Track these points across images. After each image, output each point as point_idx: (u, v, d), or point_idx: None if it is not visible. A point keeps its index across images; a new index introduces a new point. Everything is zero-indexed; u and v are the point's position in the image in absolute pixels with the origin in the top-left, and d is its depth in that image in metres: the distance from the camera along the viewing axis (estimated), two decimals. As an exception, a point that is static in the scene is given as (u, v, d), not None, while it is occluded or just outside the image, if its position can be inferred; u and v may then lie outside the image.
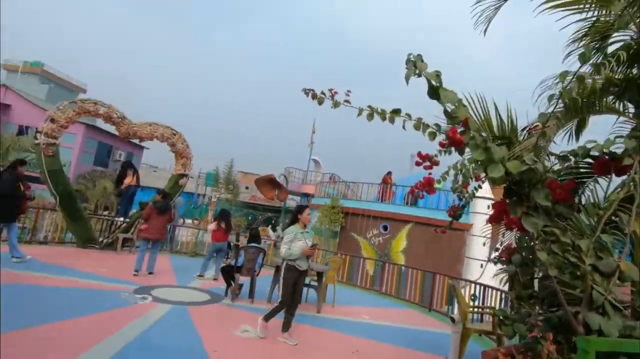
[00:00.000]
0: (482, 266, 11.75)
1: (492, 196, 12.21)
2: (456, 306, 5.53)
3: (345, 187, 16.24)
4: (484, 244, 11.86)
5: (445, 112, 2.18)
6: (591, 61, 2.39)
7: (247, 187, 29.65)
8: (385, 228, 12.92)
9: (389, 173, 14.01)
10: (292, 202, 34.03)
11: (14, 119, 23.87)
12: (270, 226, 16.24)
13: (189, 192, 30.55)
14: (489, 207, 12.24)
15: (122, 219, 9.09)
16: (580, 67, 1.90)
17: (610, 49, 2.96)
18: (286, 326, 4.27)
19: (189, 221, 17.64)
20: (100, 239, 8.58)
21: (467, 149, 2.13)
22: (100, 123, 28.39)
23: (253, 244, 6.08)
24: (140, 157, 31.13)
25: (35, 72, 37.26)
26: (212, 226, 7.12)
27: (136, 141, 9.65)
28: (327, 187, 17.45)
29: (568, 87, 1.94)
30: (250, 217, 17.80)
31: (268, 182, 16.98)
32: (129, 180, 9.07)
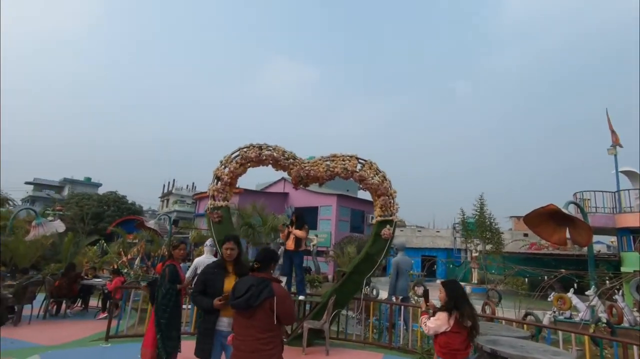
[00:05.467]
0: None
1: None
2: None
3: None
4: None
5: None
6: None
7: (526, 235, 22.33)
8: None
9: None
10: (599, 246, 22.86)
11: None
12: (572, 289, 9.56)
13: (446, 248, 26.45)
14: None
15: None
16: None
17: None
18: None
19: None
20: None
21: None
22: (352, 191, 30.52)
23: None
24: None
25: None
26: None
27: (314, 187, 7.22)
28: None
29: None
30: (527, 277, 11.53)
31: (548, 219, 10.61)
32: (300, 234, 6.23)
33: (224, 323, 3.02)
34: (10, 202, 24.23)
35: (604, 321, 6.76)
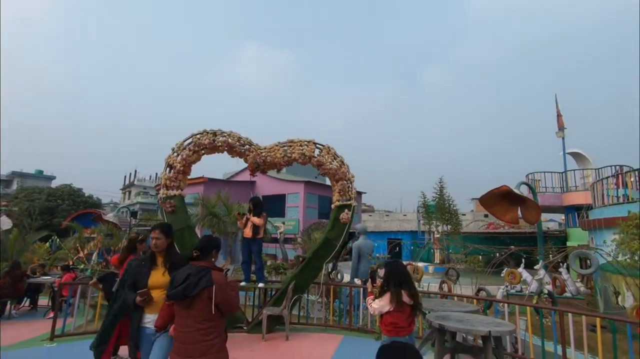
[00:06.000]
0: None
1: None
2: None
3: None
4: None
5: None
6: None
7: (486, 216, 23.44)
8: None
9: None
10: (552, 224, 24.49)
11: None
12: (522, 264, 10.14)
13: (412, 231, 27.33)
14: None
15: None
16: None
17: None
18: None
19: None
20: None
21: None
22: (320, 178, 30.59)
23: None
24: (360, 202, 30.86)
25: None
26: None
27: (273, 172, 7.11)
28: (615, 189, 9.98)
29: None
30: (481, 254, 12.15)
31: (502, 199, 11.17)
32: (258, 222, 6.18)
33: (148, 319, 2.82)
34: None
35: (546, 292, 7.25)
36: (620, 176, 10.34)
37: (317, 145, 6.45)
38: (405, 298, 3.00)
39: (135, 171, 51.11)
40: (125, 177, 52.24)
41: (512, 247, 9.25)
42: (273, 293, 6.30)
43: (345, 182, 6.39)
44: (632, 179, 9.61)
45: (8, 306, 7.41)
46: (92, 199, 38.13)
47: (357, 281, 7.66)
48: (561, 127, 15.40)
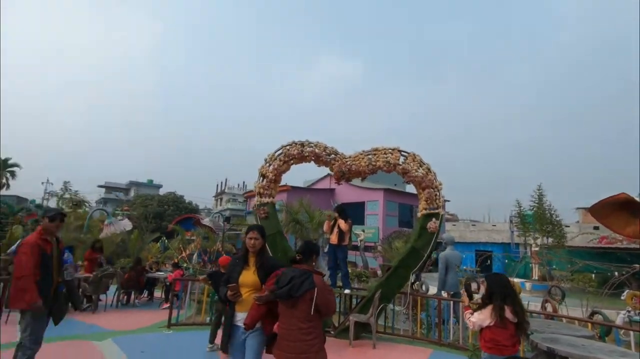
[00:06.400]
0: None
1: None
2: None
3: None
4: None
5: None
6: None
7: (596, 228, 20.39)
8: None
9: None
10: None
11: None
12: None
13: (503, 243, 24.95)
14: None
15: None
16: None
17: None
18: None
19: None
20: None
21: None
22: (400, 186, 29.87)
23: None
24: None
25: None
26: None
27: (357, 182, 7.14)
28: None
29: None
30: (594, 272, 10.48)
31: (619, 209, 9.64)
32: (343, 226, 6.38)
33: (239, 318, 2.90)
34: (86, 204, 27.03)
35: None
36: None
37: (402, 152, 6.39)
38: (509, 314, 2.81)
39: (226, 180, 55.97)
40: (217, 185, 57.53)
41: (637, 265, 7.87)
42: (358, 300, 6.36)
43: (432, 190, 6.20)
44: None
45: (132, 296, 8.74)
46: (191, 205, 42.83)
47: (444, 294, 7.31)
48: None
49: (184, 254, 15.32)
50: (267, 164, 6.52)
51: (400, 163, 6.29)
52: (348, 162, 6.36)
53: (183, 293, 7.25)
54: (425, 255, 6.12)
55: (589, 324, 5.10)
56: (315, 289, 2.61)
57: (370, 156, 6.40)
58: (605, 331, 5.16)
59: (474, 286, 8.76)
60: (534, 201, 14.65)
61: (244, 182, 55.92)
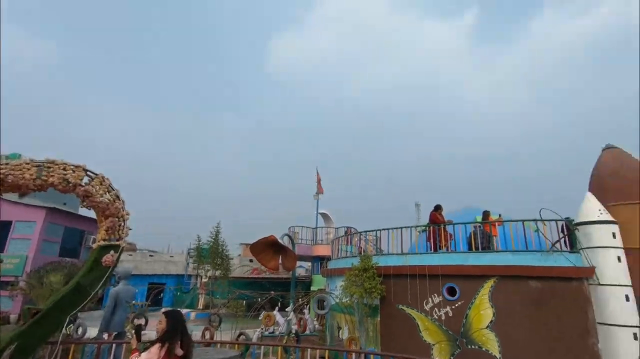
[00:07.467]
0: (636, 336, 7.06)
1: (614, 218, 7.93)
2: None
3: (374, 239, 11.91)
4: (628, 298, 7.27)
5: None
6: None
7: (251, 261, 25.04)
8: (451, 292, 8.39)
9: (438, 208, 9.73)
10: (301, 270, 29.00)
11: None
12: (277, 307, 11.40)
13: (178, 275, 25.87)
14: (614, 235, 7.91)
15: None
16: None
17: None
18: None
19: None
20: None
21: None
22: (69, 205, 24.78)
23: None
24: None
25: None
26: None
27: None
28: (345, 245, 13.19)
29: None
30: (245, 299, 13.04)
31: (268, 247, 12.55)
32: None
33: None
34: None
35: (294, 331, 8.50)
36: (348, 235, 13.81)
37: (89, 172, 5.53)
38: (178, 350, 2.94)
39: None
40: None
41: (272, 292, 10.42)
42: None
43: (116, 219, 5.67)
44: (356, 239, 13.01)
45: None
46: None
47: (105, 336, 6.59)
48: (319, 192, 19.30)
49: None
50: None
51: (83, 184, 5.39)
52: (3, 170, 4.74)
53: None
54: (93, 293, 5.35)
55: (236, 345, 6.14)
56: None
57: (41, 167, 5.08)
58: (247, 348, 6.38)
59: (142, 320, 8.43)
60: (212, 236, 16.48)
61: None
